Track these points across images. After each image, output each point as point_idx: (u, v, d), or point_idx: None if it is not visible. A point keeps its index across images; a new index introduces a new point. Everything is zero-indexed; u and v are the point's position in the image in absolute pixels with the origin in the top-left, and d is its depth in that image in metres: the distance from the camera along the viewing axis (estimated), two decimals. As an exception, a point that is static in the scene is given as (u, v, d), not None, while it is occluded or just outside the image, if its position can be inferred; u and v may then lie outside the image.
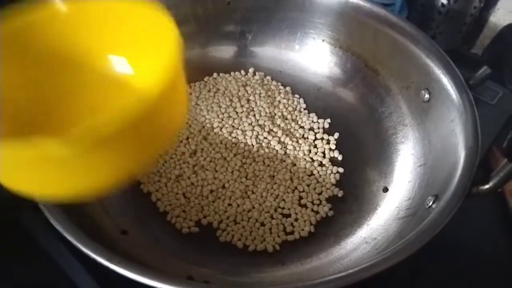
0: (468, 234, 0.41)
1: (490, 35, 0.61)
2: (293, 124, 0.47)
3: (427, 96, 0.41)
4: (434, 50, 0.41)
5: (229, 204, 0.41)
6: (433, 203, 0.34)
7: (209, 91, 0.49)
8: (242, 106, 0.47)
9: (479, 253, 0.41)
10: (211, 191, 0.42)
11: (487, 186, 0.32)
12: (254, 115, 0.47)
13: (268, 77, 0.51)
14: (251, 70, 0.51)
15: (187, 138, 0.45)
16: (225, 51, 0.51)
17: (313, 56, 0.50)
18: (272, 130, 0.46)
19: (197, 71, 0.50)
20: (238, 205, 0.41)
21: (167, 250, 0.37)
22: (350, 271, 0.29)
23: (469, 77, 0.40)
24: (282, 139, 0.45)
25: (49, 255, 0.38)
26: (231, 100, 0.48)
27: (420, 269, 0.39)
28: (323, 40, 0.49)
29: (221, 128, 0.46)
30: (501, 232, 0.43)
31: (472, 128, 0.35)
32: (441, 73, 0.39)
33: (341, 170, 0.44)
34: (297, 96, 0.49)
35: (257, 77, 0.50)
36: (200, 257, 0.37)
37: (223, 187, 0.42)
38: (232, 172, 0.43)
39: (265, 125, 0.46)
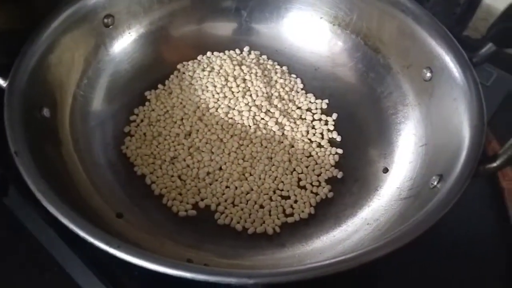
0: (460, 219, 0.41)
1: (483, 17, 0.61)
2: (290, 104, 0.46)
3: (429, 74, 0.40)
4: (436, 28, 0.40)
5: (227, 187, 0.40)
6: (437, 183, 0.33)
7: (203, 70, 0.47)
8: (238, 86, 0.46)
9: (470, 238, 0.41)
10: (208, 173, 0.41)
11: (494, 165, 0.31)
12: (251, 95, 0.45)
13: (264, 56, 0.49)
14: (246, 48, 0.49)
15: (182, 119, 0.44)
16: (221, 28, 0.49)
17: (311, 34, 0.48)
18: (269, 110, 0.45)
19: (191, 49, 0.48)
20: (236, 187, 0.40)
21: (164, 233, 0.36)
22: (355, 253, 0.28)
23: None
24: (279, 120, 0.44)
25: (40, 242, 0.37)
26: (226, 80, 0.46)
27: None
28: (321, 18, 0.47)
29: (216, 109, 0.44)
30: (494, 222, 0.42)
31: (477, 106, 0.35)
32: (444, 51, 0.39)
33: (340, 151, 0.43)
34: (294, 76, 0.48)
35: (252, 56, 0.49)
36: (198, 240, 0.36)
37: (220, 169, 0.41)
38: (229, 153, 0.42)
39: (262, 106, 0.45)
